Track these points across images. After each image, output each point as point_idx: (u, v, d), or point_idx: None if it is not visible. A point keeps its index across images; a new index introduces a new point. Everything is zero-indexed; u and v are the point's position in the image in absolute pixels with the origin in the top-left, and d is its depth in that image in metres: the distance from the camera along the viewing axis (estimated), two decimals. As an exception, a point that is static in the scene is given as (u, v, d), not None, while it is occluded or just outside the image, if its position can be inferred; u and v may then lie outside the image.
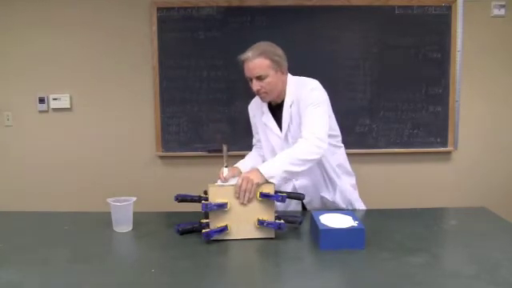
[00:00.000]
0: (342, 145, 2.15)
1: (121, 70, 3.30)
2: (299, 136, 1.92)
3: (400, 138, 3.32)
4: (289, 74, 2.06)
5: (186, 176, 3.32)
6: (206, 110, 3.27)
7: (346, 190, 2.10)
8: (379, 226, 1.81)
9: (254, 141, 2.27)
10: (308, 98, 1.93)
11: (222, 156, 1.83)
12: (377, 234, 1.69)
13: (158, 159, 3.37)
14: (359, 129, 3.29)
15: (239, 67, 1.96)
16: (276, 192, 1.71)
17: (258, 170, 1.74)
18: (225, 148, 1.83)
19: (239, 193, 1.68)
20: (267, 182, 1.73)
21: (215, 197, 1.68)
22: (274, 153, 2.06)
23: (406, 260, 1.49)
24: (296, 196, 1.87)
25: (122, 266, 1.52)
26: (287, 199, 1.78)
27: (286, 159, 1.80)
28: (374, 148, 3.31)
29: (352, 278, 1.42)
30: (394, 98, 3.28)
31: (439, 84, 3.27)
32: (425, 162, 3.38)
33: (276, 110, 2.07)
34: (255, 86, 1.94)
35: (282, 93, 2.02)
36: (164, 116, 3.30)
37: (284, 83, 2.01)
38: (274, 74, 1.94)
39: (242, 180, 1.68)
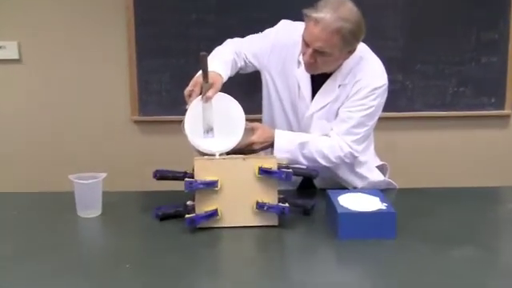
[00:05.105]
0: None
1: (86, 11, 3.23)
2: (326, 122, 1.99)
3: (442, 98, 3.29)
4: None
5: (168, 146, 3.30)
6: (194, 63, 3.22)
7: (378, 183, 2.10)
8: (414, 210, 1.83)
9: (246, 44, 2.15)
10: (367, 99, 1.95)
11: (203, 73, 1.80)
12: (411, 220, 1.70)
13: (133, 125, 3.37)
14: (389, 86, 3.23)
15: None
16: (279, 167, 1.69)
17: (272, 135, 1.93)
18: (204, 59, 1.76)
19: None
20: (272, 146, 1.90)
21: (202, 173, 1.67)
22: (284, 116, 2.07)
23: (448, 254, 1.51)
24: (306, 173, 1.85)
25: (89, 260, 1.54)
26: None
27: (305, 148, 1.92)
28: (407, 111, 3.29)
29: (379, 274, 1.43)
30: (434, 46, 3.23)
31: (495, 28, 3.21)
32: (474, 129, 3.37)
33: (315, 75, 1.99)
34: (308, 56, 1.84)
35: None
36: (141, 71, 3.26)
37: (344, 60, 1.94)
38: (339, 55, 1.86)
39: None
